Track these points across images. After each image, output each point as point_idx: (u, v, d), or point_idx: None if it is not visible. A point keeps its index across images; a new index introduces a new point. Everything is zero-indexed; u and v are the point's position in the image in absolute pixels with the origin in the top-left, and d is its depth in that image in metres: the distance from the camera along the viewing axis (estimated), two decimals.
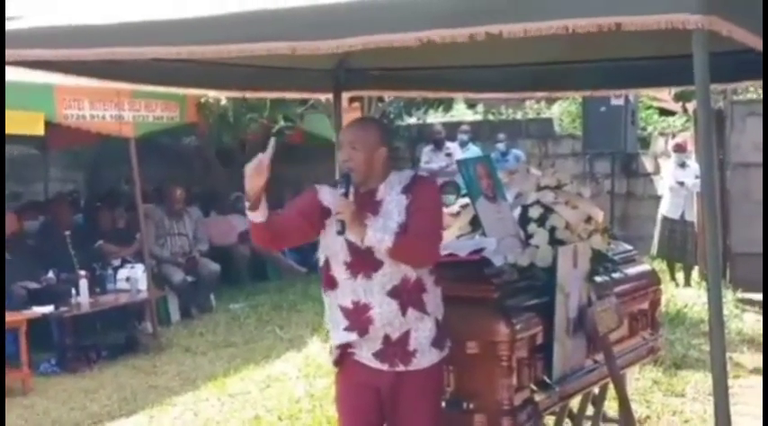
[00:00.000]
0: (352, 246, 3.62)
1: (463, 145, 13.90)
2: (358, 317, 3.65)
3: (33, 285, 8.73)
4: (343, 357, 3.74)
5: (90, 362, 8.12)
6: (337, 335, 3.74)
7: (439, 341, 3.74)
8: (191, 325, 9.77)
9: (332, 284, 3.73)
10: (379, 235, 3.53)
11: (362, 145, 3.68)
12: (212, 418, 6.33)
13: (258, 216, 3.52)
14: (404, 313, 3.65)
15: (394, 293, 3.63)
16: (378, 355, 3.67)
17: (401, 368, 3.68)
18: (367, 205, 3.63)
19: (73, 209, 10.82)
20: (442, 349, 3.76)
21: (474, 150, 13.66)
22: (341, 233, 3.52)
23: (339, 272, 3.68)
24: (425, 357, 3.70)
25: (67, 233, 9.21)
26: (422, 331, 3.69)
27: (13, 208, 10.88)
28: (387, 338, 3.65)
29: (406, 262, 3.62)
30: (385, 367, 3.68)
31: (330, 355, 3.87)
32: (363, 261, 3.63)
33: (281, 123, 11.61)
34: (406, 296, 3.65)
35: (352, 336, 3.68)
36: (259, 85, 5.61)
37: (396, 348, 3.66)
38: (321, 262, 3.80)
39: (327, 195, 3.68)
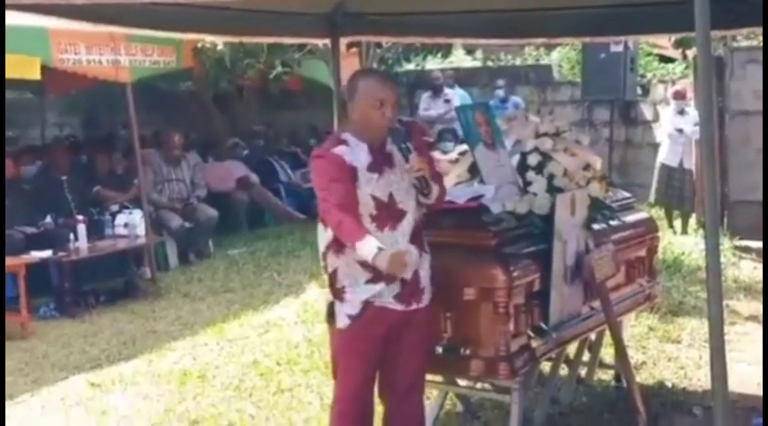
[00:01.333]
0: (377, 200, 3.70)
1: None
2: None
3: (31, 229, 8.75)
4: (365, 312, 3.75)
5: (89, 307, 8.16)
6: (359, 291, 3.74)
7: (433, 278, 3.89)
8: (189, 271, 9.80)
9: None
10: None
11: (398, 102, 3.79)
12: (211, 363, 6.37)
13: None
14: (420, 255, 3.80)
15: (413, 238, 3.78)
16: (398, 297, 3.77)
17: (414, 306, 3.80)
18: (385, 159, 3.75)
19: (70, 154, 10.79)
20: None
21: (461, 94, 13.57)
22: (426, 194, 3.72)
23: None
24: (429, 293, 3.87)
25: (64, 178, 9.20)
26: (425, 269, 3.85)
27: (9, 152, 10.86)
28: (404, 280, 3.74)
29: (439, 206, 3.89)
30: (402, 307, 3.78)
31: (339, 319, 3.81)
32: (389, 214, 3.72)
33: (279, 68, 11.55)
34: (418, 237, 3.81)
35: (378, 286, 3.71)
36: (256, 30, 5.57)
37: (412, 288, 3.78)
38: None
39: (348, 155, 3.71)
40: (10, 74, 7.48)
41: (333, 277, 3.79)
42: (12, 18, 4.30)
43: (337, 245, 3.74)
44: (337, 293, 3.78)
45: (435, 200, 3.82)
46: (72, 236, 8.29)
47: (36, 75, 7.97)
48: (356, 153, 3.71)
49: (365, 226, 3.66)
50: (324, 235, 3.81)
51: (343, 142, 3.73)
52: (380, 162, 3.72)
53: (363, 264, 3.67)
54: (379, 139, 3.75)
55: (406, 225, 3.75)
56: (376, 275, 3.68)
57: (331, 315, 3.84)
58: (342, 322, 3.78)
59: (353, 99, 3.76)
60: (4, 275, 7.27)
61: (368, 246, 3.54)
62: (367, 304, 3.75)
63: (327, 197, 3.68)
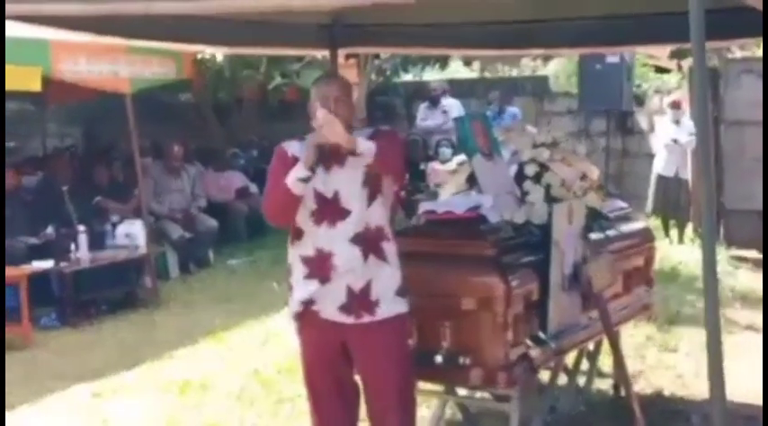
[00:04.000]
0: (319, 196, 3.71)
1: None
2: (321, 265, 3.73)
3: (33, 240, 8.77)
4: (306, 314, 3.80)
5: (90, 317, 8.18)
6: (298, 288, 3.82)
7: (403, 291, 3.82)
8: (189, 281, 9.84)
9: (297, 235, 3.81)
10: (365, 142, 3.62)
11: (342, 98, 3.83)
12: (212, 372, 6.39)
13: (303, 182, 3.60)
14: (365, 259, 3.73)
15: (356, 240, 3.72)
16: (343, 308, 3.74)
17: (367, 318, 3.74)
18: (336, 157, 3.70)
19: (71, 165, 10.82)
20: (406, 299, 3.83)
21: (455, 103, 13.63)
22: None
23: (304, 222, 3.76)
24: (389, 306, 3.77)
25: (65, 188, 9.23)
26: (383, 279, 3.76)
27: (11, 163, 10.89)
28: (350, 290, 3.72)
29: (388, 171, 3.73)
30: (351, 319, 3.74)
31: (289, 311, 3.93)
32: (329, 210, 3.72)
33: (278, 80, 11.59)
34: (368, 243, 3.74)
35: (313, 285, 3.75)
36: (255, 41, 5.62)
37: (360, 299, 3.73)
38: None
39: (293, 147, 3.78)
40: (11, 85, 7.51)
41: (288, 273, 3.89)
42: (13, 29, 4.35)
43: (291, 239, 3.83)
44: (289, 288, 3.89)
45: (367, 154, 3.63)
46: (73, 247, 8.32)
47: (37, 86, 8.00)
48: (304, 148, 3.70)
49: (304, 221, 3.73)
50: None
51: (301, 139, 3.77)
52: (330, 158, 3.67)
53: (303, 259, 3.76)
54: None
55: (349, 225, 3.71)
56: (311, 271, 3.74)
57: None
58: (290, 319, 3.91)
59: (309, 105, 3.77)
60: (4, 286, 7.28)
61: (291, 172, 3.60)
62: (307, 310, 3.78)
63: (267, 184, 3.81)
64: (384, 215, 3.83)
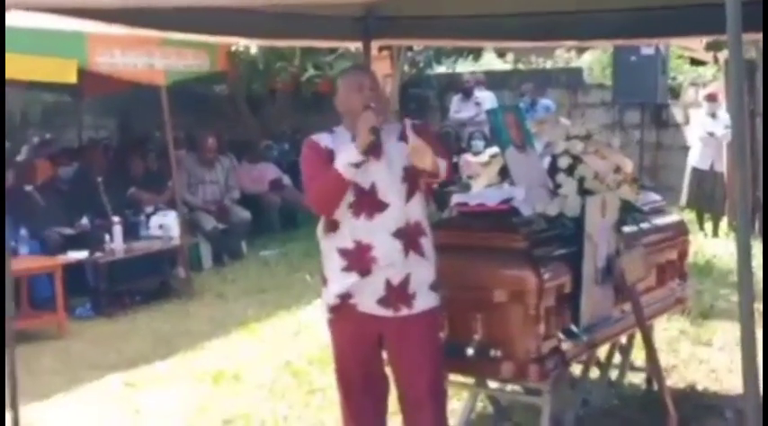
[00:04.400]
0: (356, 187, 3.69)
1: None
2: (360, 257, 3.71)
3: (68, 230, 8.85)
4: (342, 307, 3.79)
5: (124, 307, 8.25)
6: (335, 281, 3.80)
7: (436, 286, 3.83)
8: (222, 272, 9.89)
9: (333, 227, 3.77)
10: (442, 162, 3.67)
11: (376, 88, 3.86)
12: (244, 362, 6.42)
13: (356, 168, 3.61)
14: (406, 254, 3.72)
15: (398, 234, 3.71)
16: (381, 302, 3.73)
17: (405, 312, 3.74)
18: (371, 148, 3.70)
19: (106, 156, 10.92)
20: (438, 293, 3.84)
21: (488, 96, 13.59)
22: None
23: (341, 213, 3.73)
24: (425, 300, 3.78)
25: (100, 179, 9.31)
26: (420, 274, 3.76)
27: (47, 154, 11.01)
28: (389, 283, 3.71)
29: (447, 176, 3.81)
30: (390, 313, 3.74)
31: (323, 306, 3.91)
32: (366, 202, 3.70)
33: (311, 71, 11.61)
34: (408, 238, 3.73)
35: (352, 277, 3.72)
36: (288, 33, 5.62)
37: (398, 292, 3.72)
38: None
39: (326, 140, 3.78)
40: (48, 77, 7.60)
41: (321, 265, 3.87)
42: (50, 22, 4.40)
43: (326, 230, 3.80)
44: (323, 282, 3.87)
45: (444, 172, 3.71)
46: (108, 237, 8.40)
47: (73, 78, 8.07)
48: (337, 139, 3.74)
49: (342, 212, 3.70)
50: (319, 225, 3.86)
51: (330, 131, 3.81)
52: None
53: (341, 251, 3.73)
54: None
55: (388, 218, 3.70)
56: (350, 263, 3.72)
57: None
58: (324, 313, 3.89)
59: (338, 97, 3.81)
60: (4, 284, 7.34)
61: (342, 155, 3.61)
62: (344, 303, 3.76)
63: (304, 176, 3.80)
64: (422, 210, 3.83)
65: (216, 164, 10.89)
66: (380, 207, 3.70)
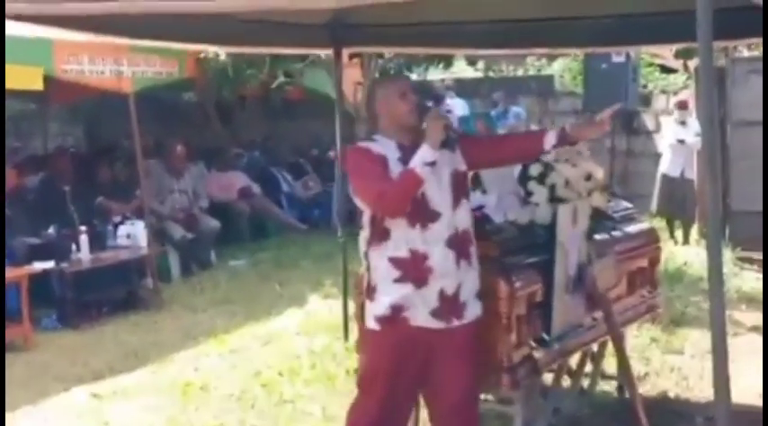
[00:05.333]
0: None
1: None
2: (416, 267, 3.67)
3: (34, 240, 8.73)
4: (393, 320, 3.71)
5: (91, 318, 8.13)
6: (387, 292, 3.71)
7: (481, 294, 3.83)
8: (191, 282, 9.80)
9: (384, 236, 3.71)
10: None
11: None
12: (213, 373, 6.36)
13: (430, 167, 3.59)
14: (458, 263, 3.71)
15: (450, 243, 3.70)
16: (435, 313, 3.70)
17: (455, 323, 3.73)
18: None
19: (73, 164, 10.79)
20: (482, 301, 3.83)
21: (459, 103, 13.62)
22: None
23: (394, 222, 3.68)
24: (473, 309, 3.79)
25: (67, 188, 9.20)
26: (469, 283, 3.77)
27: (12, 163, 10.86)
28: (442, 293, 3.68)
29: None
30: (442, 325, 3.71)
31: (369, 317, 3.81)
32: (419, 211, 3.67)
33: (281, 79, 11.56)
34: (459, 247, 3.73)
35: (407, 288, 3.67)
36: (258, 40, 5.59)
37: (450, 302, 3.70)
38: (367, 217, 3.79)
39: (375, 147, 3.73)
40: (13, 84, 7.49)
41: (368, 275, 3.78)
42: (15, 29, 4.33)
43: (376, 240, 3.73)
44: (369, 292, 3.78)
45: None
46: (74, 247, 8.29)
47: (39, 85, 7.98)
48: (383, 147, 3.71)
49: (395, 221, 3.65)
50: (363, 235, 3.81)
51: (372, 140, 3.78)
52: (410, 156, 3.64)
53: (393, 261, 3.67)
54: (408, 133, 3.72)
55: (442, 228, 3.68)
56: (404, 273, 3.66)
57: (362, 318, 3.85)
58: (370, 323, 3.78)
59: (376, 105, 3.79)
60: (4, 287, 7.26)
61: (416, 157, 3.57)
62: (396, 316, 3.69)
63: (363, 180, 3.69)
64: (470, 218, 3.82)
65: (185, 172, 10.80)
66: (434, 216, 3.68)
